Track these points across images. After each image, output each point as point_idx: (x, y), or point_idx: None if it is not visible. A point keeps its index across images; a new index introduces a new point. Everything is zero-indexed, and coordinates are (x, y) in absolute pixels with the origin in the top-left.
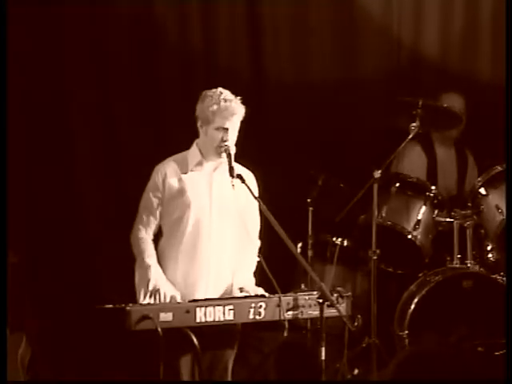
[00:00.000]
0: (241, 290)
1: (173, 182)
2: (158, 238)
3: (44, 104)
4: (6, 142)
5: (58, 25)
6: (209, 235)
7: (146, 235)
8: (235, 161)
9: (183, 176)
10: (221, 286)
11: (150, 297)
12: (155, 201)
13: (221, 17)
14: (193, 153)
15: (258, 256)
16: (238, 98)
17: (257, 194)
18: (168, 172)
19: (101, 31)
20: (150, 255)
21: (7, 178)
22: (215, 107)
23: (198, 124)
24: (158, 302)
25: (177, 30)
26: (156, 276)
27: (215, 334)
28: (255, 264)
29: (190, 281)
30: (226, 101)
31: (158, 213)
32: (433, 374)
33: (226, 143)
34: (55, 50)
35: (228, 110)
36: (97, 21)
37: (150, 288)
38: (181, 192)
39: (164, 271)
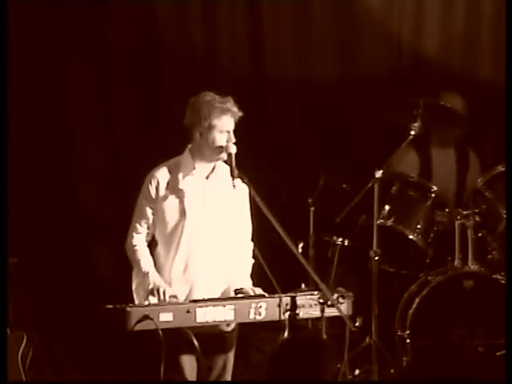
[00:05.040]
0: (238, 291)
1: (166, 190)
2: (152, 245)
3: (44, 104)
4: (6, 142)
5: (59, 25)
6: (204, 243)
7: (140, 242)
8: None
9: (176, 184)
10: (218, 290)
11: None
12: (148, 209)
13: (222, 16)
14: (185, 159)
15: (254, 257)
16: (231, 97)
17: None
18: (161, 180)
19: (101, 31)
20: (146, 262)
21: (7, 179)
22: (213, 109)
23: (195, 129)
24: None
25: (177, 30)
26: (154, 279)
27: (214, 338)
28: (251, 265)
29: (187, 288)
30: (223, 102)
31: (151, 221)
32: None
33: (227, 143)
34: (56, 50)
35: (227, 111)
36: (97, 21)
37: (150, 288)
38: (174, 200)
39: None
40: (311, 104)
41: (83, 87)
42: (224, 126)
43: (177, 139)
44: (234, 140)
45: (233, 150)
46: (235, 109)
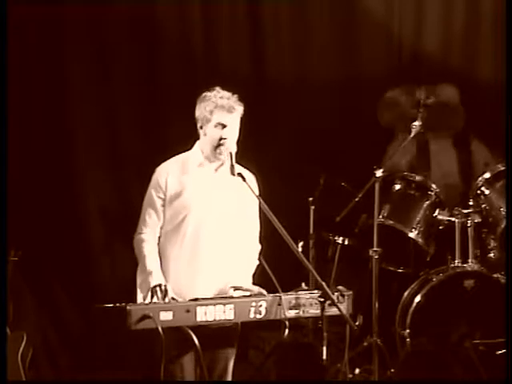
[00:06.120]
0: (236, 289)
1: (175, 183)
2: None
3: (44, 103)
4: (7, 141)
5: (59, 25)
6: (209, 237)
7: (149, 237)
8: (237, 161)
9: (185, 177)
10: (218, 286)
11: (151, 298)
12: (158, 201)
13: (222, 16)
14: (195, 154)
15: (259, 259)
16: (236, 95)
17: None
18: (170, 173)
19: (101, 31)
20: (152, 260)
21: (8, 177)
22: (212, 105)
23: (198, 125)
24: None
25: (178, 30)
26: (158, 280)
27: (215, 333)
28: (254, 266)
29: (190, 281)
30: (222, 98)
31: (161, 213)
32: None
33: (225, 141)
34: (56, 50)
35: (225, 107)
36: (97, 20)
37: (152, 287)
38: (182, 194)
39: (163, 270)
40: (311, 104)
41: (83, 86)
42: (219, 120)
43: (178, 138)
44: (228, 137)
45: (232, 148)
46: (233, 103)
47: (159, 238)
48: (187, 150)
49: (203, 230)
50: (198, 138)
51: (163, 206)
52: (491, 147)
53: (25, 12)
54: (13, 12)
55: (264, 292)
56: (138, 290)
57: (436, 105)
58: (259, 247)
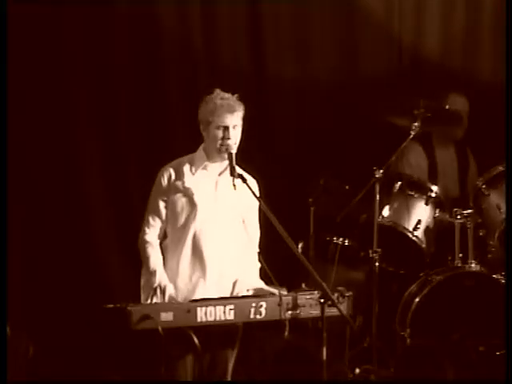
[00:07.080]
0: (255, 291)
1: (179, 184)
2: (162, 238)
3: (46, 104)
4: (7, 141)
5: (59, 25)
6: (213, 238)
7: (152, 239)
8: (237, 162)
9: (189, 179)
10: (223, 289)
11: (152, 299)
12: (161, 203)
13: (222, 16)
14: (199, 155)
15: (259, 261)
16: (236, 95)
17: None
18: (174, 173)
19: (101, 31)
20: (155, 260)
21: (8, 177)
22: (212, 107)
23: (201, 128)
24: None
25: (178, 30)
26: (160, 279)
27: (215, 333)
28: (257, 269)
29: (192, 283)
30: (222, 99)
31: (164, 215)
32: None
33: (226, 141)
34: (56, 50)
35: (224, 108)
36: (97, 21)
37: (154, 287)
38: (186, 195)
39: (167, 271)
40: (311, 104)
41: (84, 88)
42: (220, 122)
43: (179, 138)
44: (234, 136)
45: (232, 149)
46: (233, 104)
47: (163, 239)
48: (191, 151)
49: (206, 232)
50: (200, 138)
51: (166, 207)
52: (491, 149)
53: (25, 12)
54: (13, 12)
55: (283, 291)
56: (142, 293)
57: (437, 108)
58: (257, 251)
